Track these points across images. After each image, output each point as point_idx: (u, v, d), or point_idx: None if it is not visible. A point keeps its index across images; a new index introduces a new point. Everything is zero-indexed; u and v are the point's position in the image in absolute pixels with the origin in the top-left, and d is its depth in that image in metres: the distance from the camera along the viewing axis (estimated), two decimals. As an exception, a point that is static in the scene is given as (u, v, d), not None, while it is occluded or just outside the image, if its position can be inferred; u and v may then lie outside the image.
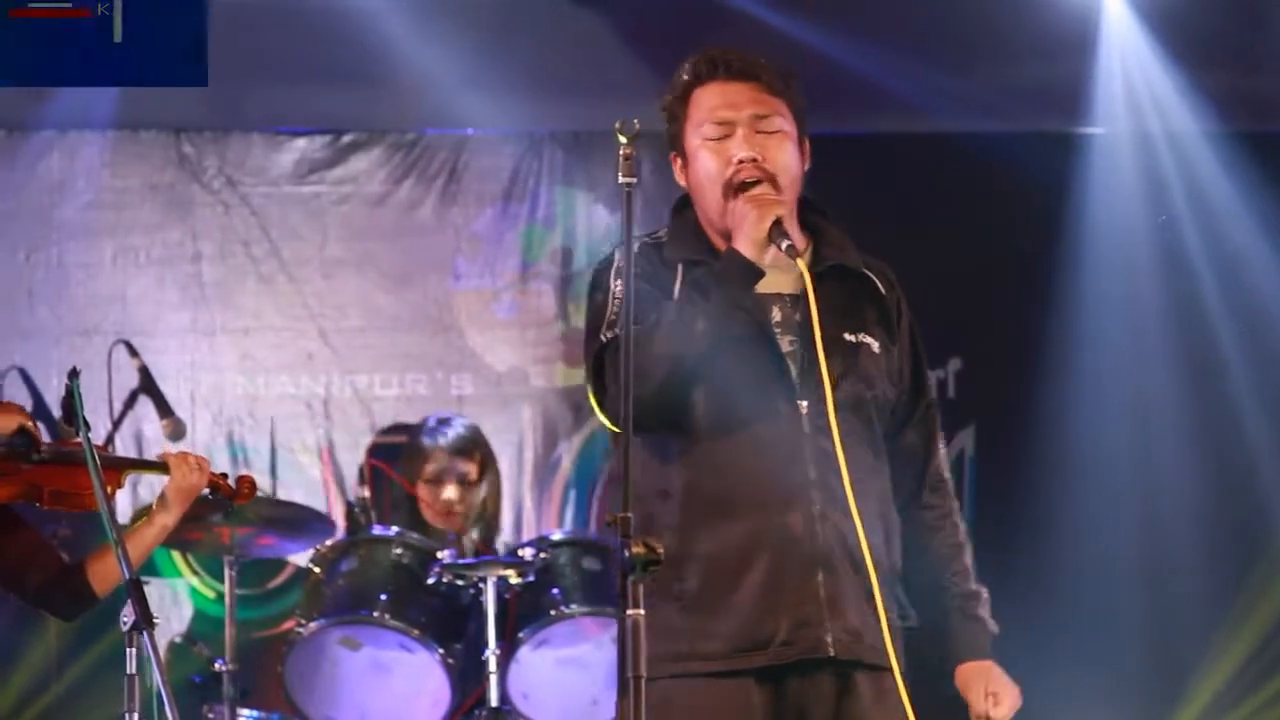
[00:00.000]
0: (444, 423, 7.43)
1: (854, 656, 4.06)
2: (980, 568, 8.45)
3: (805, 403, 4.06)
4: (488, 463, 7.46)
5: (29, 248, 7.97)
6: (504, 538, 7.51)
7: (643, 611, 3.63)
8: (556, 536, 6.89)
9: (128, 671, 4.47)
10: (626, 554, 3.63)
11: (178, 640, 7.56)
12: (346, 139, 8.17)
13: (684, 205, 4.25)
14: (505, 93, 7.76)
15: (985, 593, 4.30)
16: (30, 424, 5.14)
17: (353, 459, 7.93)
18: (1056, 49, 7.89)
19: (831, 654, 4.04)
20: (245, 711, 6.72)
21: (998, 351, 8.15)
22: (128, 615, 4.42)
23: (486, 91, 7.75)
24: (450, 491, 7.29)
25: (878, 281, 4.26)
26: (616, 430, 4.06)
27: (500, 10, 7.75)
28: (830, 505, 4.03)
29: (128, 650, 4.45)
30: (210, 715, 6.71)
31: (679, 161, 4.23)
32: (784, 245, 4.01)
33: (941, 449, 4.34)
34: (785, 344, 4.10)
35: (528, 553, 6.72)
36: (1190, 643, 8.07)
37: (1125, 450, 8.03)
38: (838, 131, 8.22)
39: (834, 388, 4.00)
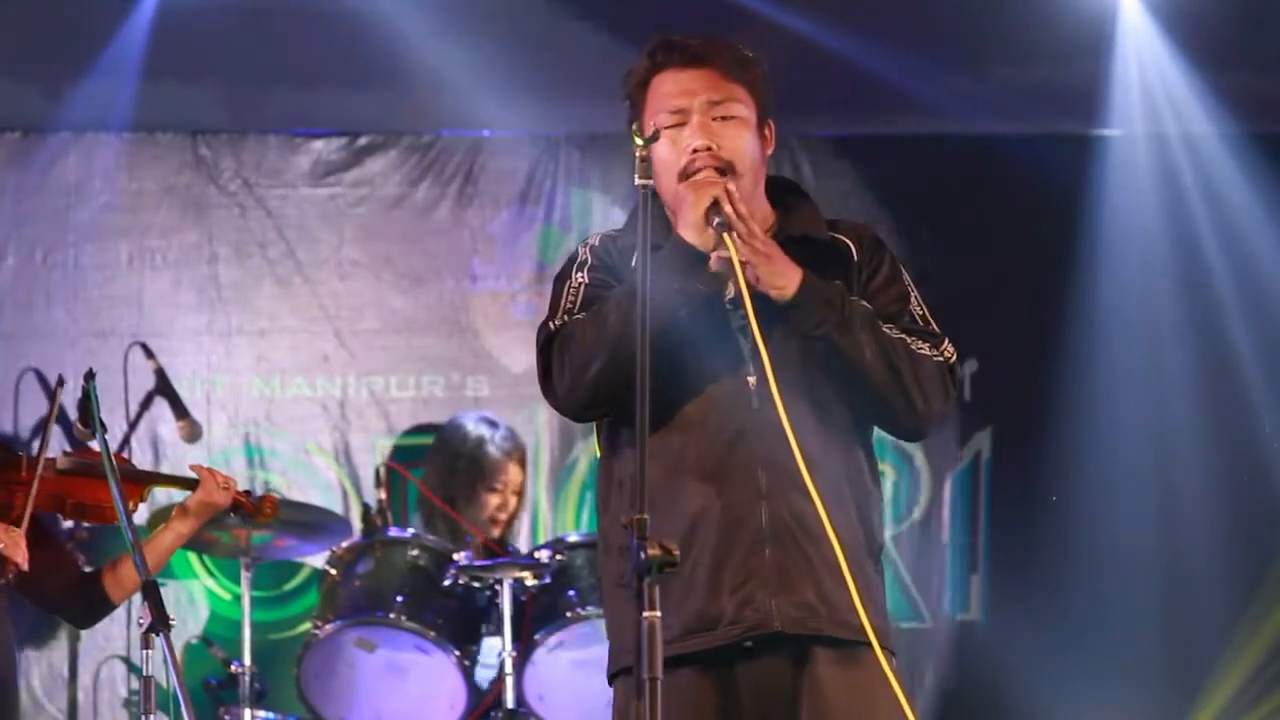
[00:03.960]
0: (492, 424, 7.42)
1: (810, 631, 3.96)
2: (997, 568, 8.46)
3: (753, 378, 3.99)
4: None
5: (45, 250, 7.98)
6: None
7: (658, 614, 3.54)
8: (573, 538, 6.88)
9: (144, 673, 4.48)
10: (642, 556, 3.55)
11: (194, 642, 7.57)
12: (363, 141, 8.17)
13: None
14: (521, 95, 7.75)
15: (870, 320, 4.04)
16: None
17: (369, 461, 7.93)
18: (1072, 51, 7.88)
19: (778, 628, 3.94)
20: (261, 713, 6.73)
21: (1014, 354, 8.13)
22: (144, 617, 4.43)
23: (502, 93, 7.74)
24: (504, 500, 7.33)
25: (852, 247, 4.18)
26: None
27: (516, 12, 7.74)
28: (782, 480, 3.93)
29: (144, 652, 4.46)
30: (226, 717, 6.73)
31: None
32: (715, 222, 3.94)
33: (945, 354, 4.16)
34: (738, 319, 4.01)
35: (544, 555, 6.72)
36: (1208, 642, 8.05)
37: (1142, 451, 8.01)
38: (851, 133, 8.23)
39: (781, 355, 3.92)
